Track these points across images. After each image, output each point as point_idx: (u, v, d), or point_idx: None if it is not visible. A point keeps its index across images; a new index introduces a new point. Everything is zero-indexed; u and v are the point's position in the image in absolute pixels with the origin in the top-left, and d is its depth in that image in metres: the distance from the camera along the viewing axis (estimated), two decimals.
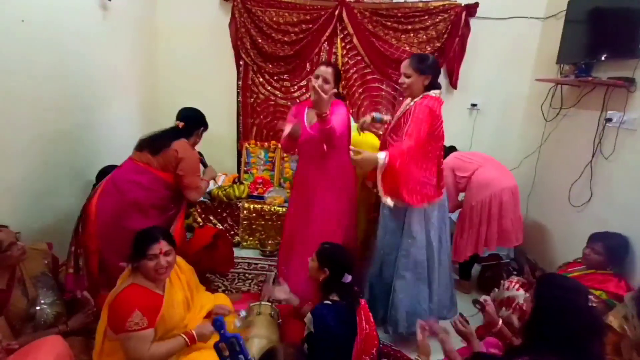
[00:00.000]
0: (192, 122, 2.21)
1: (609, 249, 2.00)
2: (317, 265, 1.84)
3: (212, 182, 2.96)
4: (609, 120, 2.25)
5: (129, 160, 2.12)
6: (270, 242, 3.10)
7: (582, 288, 1.31)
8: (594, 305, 1.40)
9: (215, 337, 1.61)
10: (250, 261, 3.00)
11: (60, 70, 2.27)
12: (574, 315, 1.19)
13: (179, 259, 1.88)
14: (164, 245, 1.64)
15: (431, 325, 1.66)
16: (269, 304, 2.06)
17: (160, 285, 1.70)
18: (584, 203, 2.41)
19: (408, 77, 2.03)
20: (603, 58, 2.28)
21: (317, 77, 2.10)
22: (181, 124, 2.17)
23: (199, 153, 2.31)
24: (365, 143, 2.47)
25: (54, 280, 1.91)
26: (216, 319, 1.38)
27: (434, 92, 2.04)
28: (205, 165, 2.41)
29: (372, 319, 1.83)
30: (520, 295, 2.05)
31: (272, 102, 3.42)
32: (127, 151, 2.17)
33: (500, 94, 3.28)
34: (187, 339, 1.67)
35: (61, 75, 2.28)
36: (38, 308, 1.78)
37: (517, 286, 2.11)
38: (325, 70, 2.11)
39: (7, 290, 1.68)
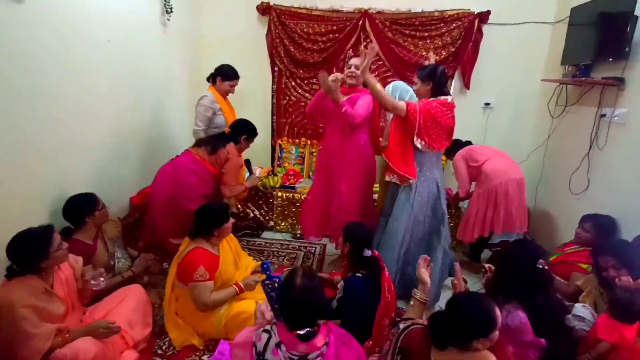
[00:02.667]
0: (236, 129, 2.65)
1: (596, 227, 2.28)
2: (342, 240, 2.18)
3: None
4: (603, 115, 2.51)
5: (187, 152, 2.58)
6: (299, 226, 3.52)
7: (536, 254, 1.69)
8: (543, 267, 1.73)
9: (259, 289, 2.06)
10: (283, 242, 3.43)
11: (132, 77, 2.78)
12: (525, 271, 1.62)
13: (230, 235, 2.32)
14: None
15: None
16: None
17: (216, 248, 2.15)
18: (582, 191, 2.68)
19: (415, 84, 2.44)
20: (599, 59, 2.54)
21: (349, 67, 2.58)
22: (227, 130, 2.66)
23: (247, 160, 2.80)
24: None
25: (123, 243, 2.43)
26: (263, 263, 1.78)
27: (444, 97, 2.35)
28: (250, 172, 2.86)
29: (393, 288, 2.19)
30: None
31: (303, 104, 3.84)
32: (179, 144, 2.63)
33: (511, 93, 3.56)
34: (237, 289, 2.11)
35: (132, 81, 2.79)
36: (116, 261, 2.29)
37: None
38: (355, 61, 2.57)
39: (93, 244, 2.17)
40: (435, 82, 2.36)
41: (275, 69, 3.78)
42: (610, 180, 2.46)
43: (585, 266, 2.22)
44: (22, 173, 1.92)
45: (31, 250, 1.61)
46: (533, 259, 1.71)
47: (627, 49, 2.28)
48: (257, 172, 3.74)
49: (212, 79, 2.99)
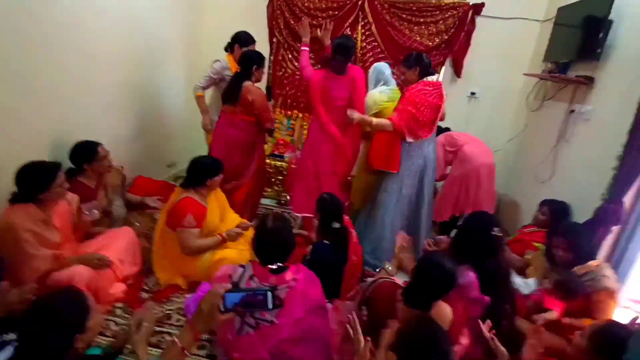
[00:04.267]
0: (244, 63, 2.66)
1: (552, 211, 2.51)
2: (315, 210, 2.35)
3: None
4: (572, 111, 2.72)
5: (222, 114, 2.77)
6: (284, 194, 3.71)
7: (489, 223, 1.93)
8: (495, 235, 1.95)
9: (241, 241, 2.27)
10: (268, 208, 3.62)
11: (133, 37, 2.91)
12: (478, 238, 1.87)
13: (217, 189, 2.50)
14: None
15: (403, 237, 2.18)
16: None
17: (205, 200, 2.33)
18: (546, 180, 2.91)
19: (403, 74, 2.61)
20: (576, 59, 2.72)
21: None
22: (238, 69, 2.71)
23: (268, 88, 2.99)
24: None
25: (122, 192, 2.62)
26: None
27: (430, 78, 2.55)
28: (270, 99, 3.00)
29: (360, 253, 2.40)
30: None
31: (298, 77, 3.96)
32: (175, 102, 2.75)
33: (496, 85, 3.73)
34: (221, 238, 2.31)
35: (133, 40, 2.92)
36: (113, 207, 2.48)
37: None
38: None
39: (95, 189, 2.35)
40: (422, 66, 2.55)
41: (274, 40, 3.88)
42: (571, 171, 2.69)
43: (538, 245, 2.46)
44: (23, 118, 2.04)
45: (35, 180, 1.77)
46: (486, 227, 1.93)
47: (599, 51, 2.45)
48: None
49: (229, 47, 3.06)
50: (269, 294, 1.18)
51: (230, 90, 2.68)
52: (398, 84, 2.94)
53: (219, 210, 2.43)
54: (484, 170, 2.99)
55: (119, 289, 2.10)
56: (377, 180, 2.86)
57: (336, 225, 2.26)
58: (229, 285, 1.20)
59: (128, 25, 2.81)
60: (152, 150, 3.40)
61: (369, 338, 1.31)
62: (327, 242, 2.27)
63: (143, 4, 2.96)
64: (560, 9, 3.01)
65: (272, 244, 1.54)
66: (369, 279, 1.87)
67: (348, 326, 1.41)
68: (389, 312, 1.55)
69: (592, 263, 1.94)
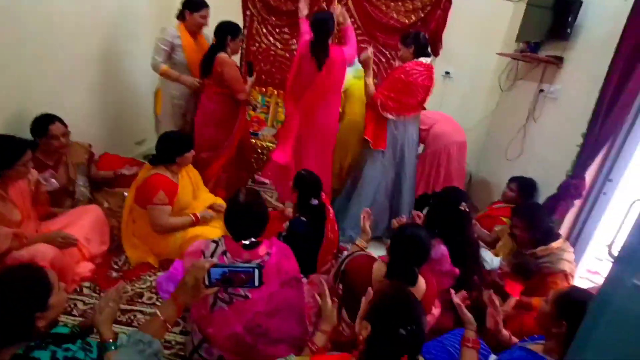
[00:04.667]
0: (218, 33, 2.58)
1: (520, 187, 2.61)
2: (292, 186, 2.32)
3: None
4: (542, 91, 2.79)
5: (202, 86, 2.73)
6: (259, 173, 3.65)
7: (457, 198, 2.01)
8: (465, 210, 2.01)
9: (213, 222, 2.23)
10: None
11: (95, 5, 2.70)
12: (448, 212, 1.94)
13: (189, 166, 2.42)
14: None
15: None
16: None
17: (176, 177, 2.26)
18: (515, 157, 3.00)
19: (399, 49, 2.66)
20: (547, 39, 2.77)
21: None
22: (213, 40, 2.63)
23: (248, 63, 2.91)
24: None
25: (88, 170, 2.46)
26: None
27: (423, 59, 2.57)
28: (251, 75, 2.80)
29: (336, 229, 2.42)
30: None
31: (272, 52, 3.86)
32: (145, 76, 2.65)
33: (470, 65, 3.76)
34: (194, 218, 2.26)
35: (96, 9, 2.72)
36: (77, 188, 2.35)
37: None
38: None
39: (53, 167, 2.22)
40: (417, 45, 2.56)
41: (248, 13, 3.74)
42: (539, 148, 2.78)
43: (506, 219, 2.55)
44: None
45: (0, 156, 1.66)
46: (455, 202, 1.98)
47: (568, 31, 2.51)
48: None
49: (180, 15, 2.87)
50: (257, 271, 1.17)
51: (203, 62, 2.62)
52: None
53: (192, 187, 2.37)
54: (455, 148, 3.05)
55: (86, 268, 2.02)
56: (357, 160, 2.88)
57: (314, 202, 2.25)
58: (215, 260, 1.19)
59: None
60: (121, 126, 3.24)
61: (335, 299, 1.33)
62: (304, 218, 2.27)
63: None
64: None
65: (244, 219, 1.51)
66: (345, 253, 1.89)
67: (316, 295, 1.42)
68: (364, 284, 1.58)
69: (554, 244, 2.02)
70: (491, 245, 2.51)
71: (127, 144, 3.40)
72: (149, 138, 3.65)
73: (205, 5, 2.76)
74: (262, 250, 1.52)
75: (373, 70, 2.67)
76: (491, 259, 2.28)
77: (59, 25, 2.35)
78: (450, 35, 3.66)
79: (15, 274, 1.08)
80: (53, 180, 1.96)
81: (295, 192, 2.31)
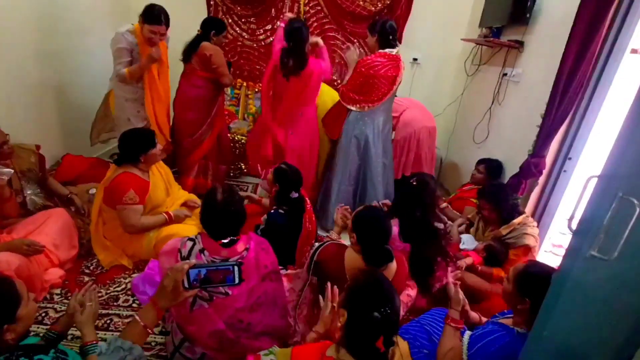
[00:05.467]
0: (203, 26, 2.73)
1: (488, 169, 2.72)
2: (272, 179, 2.28)
3: None
4: (505, 75, 2.88)
5: (181, 79, 2.80)
6: (232, 167, 3.60)
7: (422, 180, 2.08)
8: (418, 185, 2.08)
9: (187, 220, 2.19)
10: None
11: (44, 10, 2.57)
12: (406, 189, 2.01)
13: (160, 163, 2.36)
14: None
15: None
16: None
17: (146, 174, 2.20)
18: (482, 140, 3.10)
19: (367, 37, 2.70)
20: (508, 24, 2.85)
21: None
22: (199, 31, 2.73)
23: (229, 62, 2.88)
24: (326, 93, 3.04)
25: (42, 175, 2.25)
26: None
27: (388, 50, 2.58)
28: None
29: (314, 220, 2.42)
30: None
31: (239, 43, 3.77)
32: (103, 70, 2.57)
33: (437, 51, 3.84)
34: (167, 217, 2.21)
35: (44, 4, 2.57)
36: (26, 198, 2.15)
37: None
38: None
39: None
40: (380, 35, 2.57)
41: (211, 2, 3.63)
42: (503, 131, 2.88)
43: (475, 200, 2.65)
44: None
45: None
46: (409, 180, 2.07)
47: (527, 15, 2.59)
48: None
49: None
50: (236, 268, 1.16)
51: (187, 48, 2.73)
52: None
53: (164, 184, 2.31)
54: (424, 133, 3.12)
55: (55, 274, 1.95)
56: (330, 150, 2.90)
57: (294, 195, 2.25)
58: (193, 262, 1.17)
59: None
60: (81, 125, 3.10)
61: (335, 305, 1.33)
62: (282, 211, 2.26)
63: None
64: None
65: (222, 219, 1.47)
66: (316, 244, 1.89)
67: (320, 297, 1.42)
68: (337, 273, 1.60)
69: (515, 220, 2.14)
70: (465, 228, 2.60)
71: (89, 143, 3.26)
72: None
73: (159, 22, 2.46)
74: (240, 246, 1.51)
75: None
76: (471, 239, 2.36)
77: (3, 19, 2.21)
78: (417, 22, 3.71)
79: None
80: (5, 170, 1.80)
81: (274, 185, 2.29)
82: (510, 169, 2.62)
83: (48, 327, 1.68)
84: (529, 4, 2.57)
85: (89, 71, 3.11)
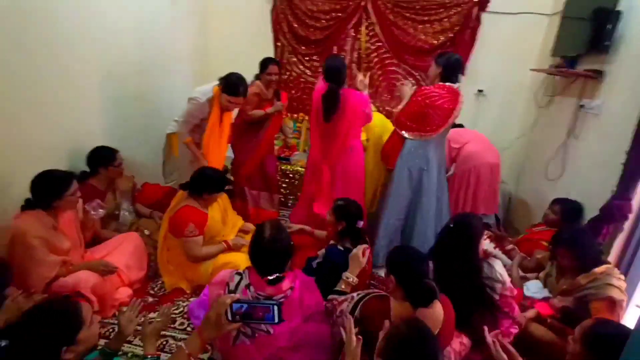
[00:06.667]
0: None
1: (563, 211, 2.44)
2: (334, 219, 2.23)
3: None
4: (582, 106, 2.63)
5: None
6: (291, 197, 3.71)
7: (460, 222, 1.91)
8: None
9: (244, 249, 2.29)
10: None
11: (139, 46, 2.97)
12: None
13: None
14: None
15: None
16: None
17: (206, 206, 2.36)
18: (557, 177, 2.82)
19: (427, 70, 2.69)
20: (584, 52, 2.63)
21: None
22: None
23: (276, 90, 3.13)
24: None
25: (133, 198, 2.69)
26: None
27: (449, 84, 2.51)
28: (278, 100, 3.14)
29: (371, 260, 2.33)
30: (486, 244, 2.55)
31: (303, 80, 3.98)
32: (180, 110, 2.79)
33: (503, 82, 3.65)
34: (226, 246, 2.33)
35: (140, 49, 2.98)
36: (121, 212, 2.55)
37: (485, 237, 2.60)
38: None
39: (103, 191, 2.42)
40: (445, 68, 2.51)
41: (278, 44, 3.90)
42: (581, 167, 2.60)
43: (546, 243, 2.39)
44: (42, 124, 2.15)
45: (50, 188, 1.85)
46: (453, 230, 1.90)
47: (607, 43, 2.37)
48: None
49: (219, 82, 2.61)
50: (276, 308, 1.19)
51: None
52: None
53: (220, 214, 2.46)
54: (485, 170, 2.93)
55: (124, 293, 2.14)
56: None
57: (360, 224, 2.20)
58: (237, 296, 1.22)
59: (135, 35, 2.88)
60: (159, 157, 3.44)
61: (360, 337, 1.28)
62: (341, 247, 2.21)
63: (149, 12, 3.02)
64: (567, 2, 2.92)
65: (269, 255, 1.50)
66: (354, 295, 1.77)
67: (341, 329, 1.38)
68: (380, 327, 1.51)
69: (597, 270, 1.85)
70: (532, 271, 2.35)
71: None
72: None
73: (236, 95, 2.54)
74: (285, 284, 1.52)
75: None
76: (541, 288, 2.11)
77: (103, 68, 2.60)
78: (482, 53, 3.60)
79: (49, 307, 1.17)
80: (100, 210, 2.13)
81: (340, 224, 2.23)
82: (591, 211, 2.34)
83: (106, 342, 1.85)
84: (608, 30, 2.37)
85: (168, 110, 3.46)
